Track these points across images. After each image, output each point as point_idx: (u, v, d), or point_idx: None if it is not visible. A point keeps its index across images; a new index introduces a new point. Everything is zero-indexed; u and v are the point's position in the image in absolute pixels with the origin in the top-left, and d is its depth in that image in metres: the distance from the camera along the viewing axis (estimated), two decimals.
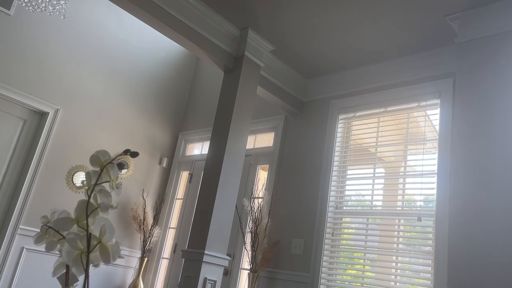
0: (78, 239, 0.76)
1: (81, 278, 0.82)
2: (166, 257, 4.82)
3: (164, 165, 5.16)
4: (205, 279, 3.05)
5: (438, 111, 3.32)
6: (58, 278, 0.84)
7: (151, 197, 4.97)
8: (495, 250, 2.43)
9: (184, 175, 5.15)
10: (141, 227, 4.64)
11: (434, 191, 3.13)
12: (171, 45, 5.26)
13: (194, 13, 3.38)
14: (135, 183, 4.85)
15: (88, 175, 0.81)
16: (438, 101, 3.33)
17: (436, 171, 3.15)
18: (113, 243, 0.77)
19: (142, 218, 4.67)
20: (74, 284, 0.85)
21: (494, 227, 2.47)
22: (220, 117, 3.54)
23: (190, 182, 4.98)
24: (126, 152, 0.81)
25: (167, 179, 5.20)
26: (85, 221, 0.77)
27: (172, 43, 5.16)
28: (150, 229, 4.67)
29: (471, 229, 2.55)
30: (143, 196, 4.83)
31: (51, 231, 0.85)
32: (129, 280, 4.69)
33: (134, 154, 0.81)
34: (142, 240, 4.64)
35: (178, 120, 5.40)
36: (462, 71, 2.93)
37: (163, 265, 4.81)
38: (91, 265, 0.77)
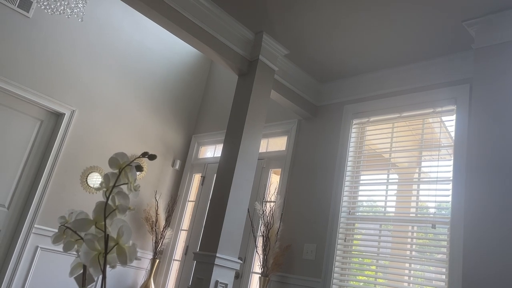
0: (96, 240, 0.77)
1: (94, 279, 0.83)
2: (178, 259, 4.83)
3: (177, 167, 5.18)
4: (217, 282, 3.05)
5: (454, 117, 3.28)
6: (75, 278, 0.85)
7: (163, 198, 5.00)
8: (511, 259, 2.38)
9: (197, 178, 5.17)
10: (153, 229, 4.67)
11: (449, 198, 3.08)
12: (185, 48, 5.30)
13: (209, 16, 3.40)
14: (148, 184, 4.89)
15: (106, 177, 0.82)
16: (454, 107, 3.29)
17: (451, 178, 3.11)
18: (130, 245, 0.78)
19: (154, 219, 4.70)
20: (90, 285, 0.86)
21: (511, 235, 2.43)
22: (233, 121, 3.55)
23: (202, 184, 5.00)
24: (144, 154, 0.82)
25: (179, 181, 5.23)
26: (103, 223, 0.78)
27: (186, 46, 5.20)
28: (162, 230, 4.69)
29: (486, 237, 2.50)
30: (155, 198, 4.86)
31: (69, 232, 0.86)
32: (141, 281, 4.72)
33: (152, 157, 0.82)
34: (154, 241, 4.67)
35: (191, 123, 5.43)
36: (479, 77, 2.89)
37: (175, 267, 4.83)
38: (108, 266, 0.77)
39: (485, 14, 2.88)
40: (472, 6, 2.84)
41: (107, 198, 0.79)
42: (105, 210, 0.78)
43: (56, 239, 0.88)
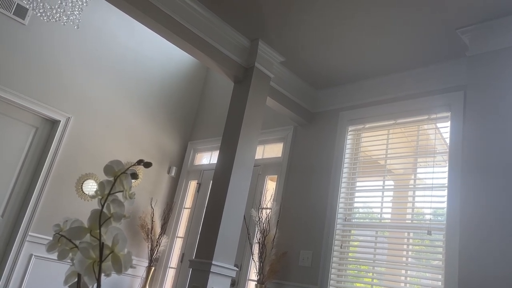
0: (91, 249, 0.77)
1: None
2: (173, 266, 4.81)
3: (172, 174, 5.17)
4: None
5: (448, 123, 3.30)
6: (69, 287, 0.84)
7: (159, 206, 4.98)
8: (507, 265, 2.39)
9: (193, 185, 5.16)
10: (149, 236, 4.64)
11: (444, 205, 3.09)
12: (181, 55, 5.31)
13: (205, 23, 3.42)
14: (144, 191, 4.87)
15: (101, 184, 0.82)
16: (448, 114, 3.31)
17: (446, 185, 3.12)
18: (125, 253, 0.77)
19: (150, 227, 4.67)
20: None
21: (507, 242, 2.43)
22: (229, 127, 3.55)
23: (198, 191, 4.98)
24: (140, 162, 0.82)
25: (175, 188, 5.21)
26: (98, 231, 0.77)
27: (182, 53, 5.20)
28: (158, 238, 4.67)
29: (482, 243, 2.51)
30: (151, 205, 4.84)
31: (64, 240, 0.85)
32: None
33: (148, 165, 0.82)
34: (149, 249, 4.64)
35: (187, 129, 5.43)
36: (473, 84, 2.91)
37: (170, 274, 4.80)
38: (103, 274, 0.77)
39: (479, 21, 2.91)
40: (466, 13, 2.87)
41: (102, 206, 0.79)
42: (100, 218, 0.78)
43: (50, 248, 0.88)
